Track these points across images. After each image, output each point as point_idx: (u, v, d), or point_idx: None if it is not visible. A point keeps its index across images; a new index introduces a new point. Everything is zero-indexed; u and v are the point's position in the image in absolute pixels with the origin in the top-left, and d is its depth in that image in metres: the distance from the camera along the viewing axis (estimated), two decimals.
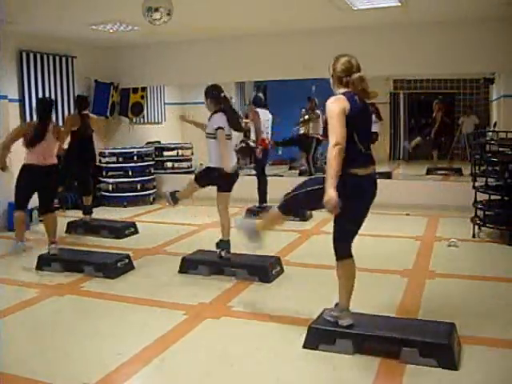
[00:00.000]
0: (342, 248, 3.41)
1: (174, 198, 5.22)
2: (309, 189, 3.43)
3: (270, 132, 7.82)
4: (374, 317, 3.59)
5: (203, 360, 3.40)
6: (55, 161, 5.62)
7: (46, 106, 5.70)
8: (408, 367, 3.16)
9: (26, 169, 5.57)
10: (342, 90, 3.22)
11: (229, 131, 4.97)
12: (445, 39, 7.63)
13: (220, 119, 4.91)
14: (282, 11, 6.98)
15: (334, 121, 3.05)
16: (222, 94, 5.04)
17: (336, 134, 3.02)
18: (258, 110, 7.77)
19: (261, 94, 8.23)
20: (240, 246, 5.17)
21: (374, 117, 11.29)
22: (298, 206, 3.78)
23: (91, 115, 7.15)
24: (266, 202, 7.72)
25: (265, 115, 7.72)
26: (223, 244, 5.12)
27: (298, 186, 3.55)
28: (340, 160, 3.01)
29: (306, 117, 10.29)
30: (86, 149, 6.87)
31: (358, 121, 3.14)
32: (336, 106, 3.09)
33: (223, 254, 5.11)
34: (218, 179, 4.93)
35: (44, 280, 5.09)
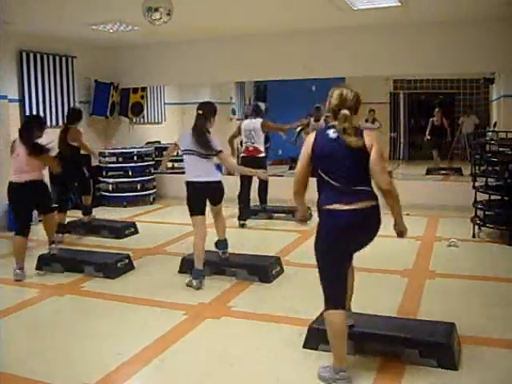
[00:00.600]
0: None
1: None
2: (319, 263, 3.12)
3: (257, 141, 7.29)
4: (374, 317, 3.59)
5: (203, 360, 3.40)
6: (33, 177, 5.15)
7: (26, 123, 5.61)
8: (408, 367, 3.16)
9: (8, 187, 5.24)
10: (332, 123, 3.10)
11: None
12: (445, 39, 7.62)
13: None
14: (282, 11, 6.98)
15: (300, 157, 3.12)
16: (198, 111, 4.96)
17: (295, 172, 3.14)
18: (244, 121, 7.60)
19: (258, 103, 7.96)
20: (239, 245, 5.19)
21: (369, 124, 11.34)
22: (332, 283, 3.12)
23: (72, 127, 6.75)
24: (265, 202, 7.69)
25: (248, 125, 7.35)
26: (222, 244, 5.13)
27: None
28: (297, 190, 3.15)
29: (299, 129, 10.18)
30: (69, 158, 6.55)
31: (323, 156, 3.02)
32: (305, 143, 3.13)
33: (222, 254, 5.12)
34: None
35: (44, 280, 5.10)
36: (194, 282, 4.72)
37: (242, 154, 7.45)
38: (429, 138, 11.92)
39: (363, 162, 2.99)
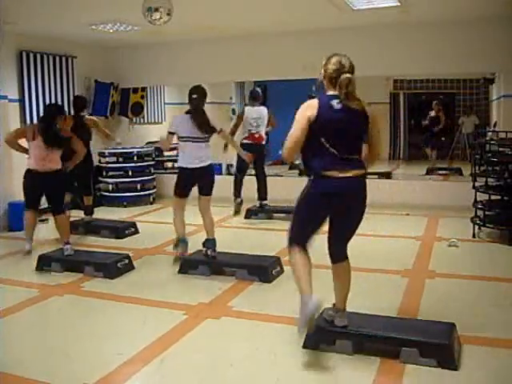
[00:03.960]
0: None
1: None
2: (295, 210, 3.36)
3: (261, 128, 7.49)
4: (374, 317, 3.59)
5: (203, 360, 3.39)
6: (58, 166, 5.60)
7: (49, 111, 5.74)
8: (408, 367, 3.16)
9: (27, 174, 5.61)
10: (330, 92, 3.17)
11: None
12: (445, 39, 7.62)
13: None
14: (282, 11, 6.98)
15: (294, 125, 3.16)
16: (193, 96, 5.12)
17: (290, 137, 3.17)
18: (247, 108, 7.62)
19: (257, 89, 7.97)
20: (239, 245, 5.18)
21: None
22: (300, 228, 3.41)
23: (88, 116, 7.06)
24: (265, 199, 7.69)
25: (253, 113, 7.46)
26: (210, 242, 5.17)
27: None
28: (289, 157, 3.24)
29: None
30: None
31: (329, 127, 3.09)
32: (300, 112, 3.16)
33: (209, 252, 5.14)
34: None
35: (44, 280, 5.10)
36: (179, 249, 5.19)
37: (244, 141, 7.41)
38: (426, 123, 11.91)
39: (363, 131, 3.15)
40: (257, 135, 7.36)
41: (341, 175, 3.09)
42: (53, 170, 5.52)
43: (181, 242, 5.34)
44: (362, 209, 3.27)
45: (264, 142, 7.53)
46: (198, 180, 5.07)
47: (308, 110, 3.12)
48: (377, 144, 3.27)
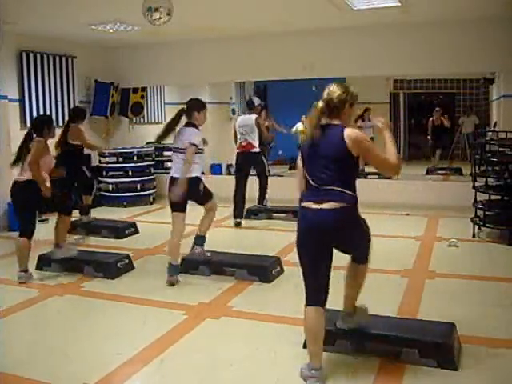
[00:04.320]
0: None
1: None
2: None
3: (249, 136, 7.30)
4: (374, 317, 3.58)
5: (203, 360, 3.40)
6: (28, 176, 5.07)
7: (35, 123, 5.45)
8: (408, 367, 3.16)
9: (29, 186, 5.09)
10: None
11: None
12: (445, 39, 7.62)
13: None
14: (282, 11, 6.98)
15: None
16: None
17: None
18: (238, 117, 7.66)
19: (253, 98, 8.01)
20: (239, 245, 5.18)
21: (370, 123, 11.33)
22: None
23: (74, 126, 6.76)
24: (263, 200, 7.68)
25: (241, 121, 7.43)
26: (199, 239, 5.15)
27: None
28: (299, 190, 3.15)
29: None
30: (68, 158, 6.62)
31: (305, 154, 3.07)
32: None
33: (198, 250, 5.14)
34: None
35: (44, 280, 5.10)
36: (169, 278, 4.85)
37: (236, 151, 7.43)
38: (431, 139, 11.90)
39: (340, 161, 2.94)
40: (244, 143, 7.28)
41: (314, 206, 2.96)
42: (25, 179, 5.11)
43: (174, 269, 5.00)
44: (347, 237, 3.07)
45: (255, 150, 7.28)
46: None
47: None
48: (382, 167, 3.10)
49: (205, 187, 4.96)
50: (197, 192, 4.87)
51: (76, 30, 7.76)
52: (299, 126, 11.41)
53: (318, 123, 2.99)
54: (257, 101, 7.73)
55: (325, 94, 3.03)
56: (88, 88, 9.36)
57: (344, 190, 2.94)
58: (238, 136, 7.34)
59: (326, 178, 2.96)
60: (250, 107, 7.64)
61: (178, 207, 4.88)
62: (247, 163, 7.39)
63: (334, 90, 3.01)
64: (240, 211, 7.33)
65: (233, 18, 7.39)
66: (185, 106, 5.04)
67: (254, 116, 7.41)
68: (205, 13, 6.93)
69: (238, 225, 7.26)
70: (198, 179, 4.86)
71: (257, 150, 7.34)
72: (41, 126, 5.23)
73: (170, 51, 9.33)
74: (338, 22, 7.55)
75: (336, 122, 3.00)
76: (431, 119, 11.88)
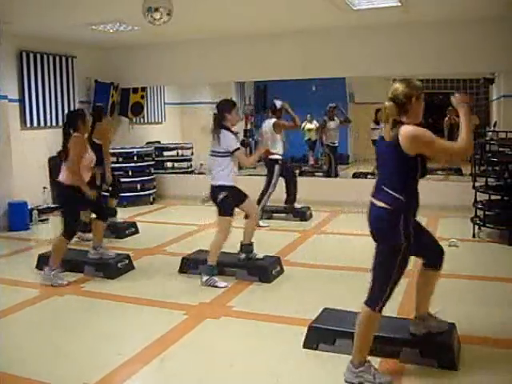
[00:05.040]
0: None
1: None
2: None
3: (268, 141, 7.16)
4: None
5: (203, 360, 3.39)
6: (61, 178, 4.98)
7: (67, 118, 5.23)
8: (408, 367, 3.16)
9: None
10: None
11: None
12: (445, 39, 7.63)
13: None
14: (282, 11, 6.98)
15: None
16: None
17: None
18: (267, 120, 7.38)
19: (275, 101, 7.46)
20: (239, 245, 5.18)
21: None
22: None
23: (99, 124, 6.64)
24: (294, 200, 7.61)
25: (263, 126, 7.35)
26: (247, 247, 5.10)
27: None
28: None
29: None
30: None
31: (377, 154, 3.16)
32: None
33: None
34: None
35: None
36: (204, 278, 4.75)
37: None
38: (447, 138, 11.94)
39: (392, 160, 2.91)
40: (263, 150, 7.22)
41: (369, 199, 3.02)
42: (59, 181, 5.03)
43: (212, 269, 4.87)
44: (374, 235, 3.05)
45: (272, 157, 7.01)
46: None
47: None
48: (445, 158, 3.16)
49: (223, 199, 4.77)
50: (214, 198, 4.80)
51: (76, 30, 7.76)
52: (306, 125, 11.50)
53: (390, 123, 2.94)
54: (279, 104, 7.30)
55: (389, 93, 2.99)
56: (88, 88, 9.37)
57: (388, 190, 2.93)
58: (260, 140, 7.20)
59: (380, 176, 3.02)
60: (272, 110, 7.34)
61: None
62: (268, 168, 7.25)
63: (397, 87, 2.96)
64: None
65: (233, 18, 7.39)
66: (215, 111, 4.85)
67: (272, 120, 7.17)
68: (205, 13, 6.93)
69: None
70: (220, 188, 4.77)
71: (274, 156, 7.04)
72: (75, 120, 5.00)
73: (170, 51, 9.33)
74: (338, 21, 7.55)
75: (404, 119, 2.92)
76: (446, 118, 11.88)
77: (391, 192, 2.90)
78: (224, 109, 4.82)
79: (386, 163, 2.98)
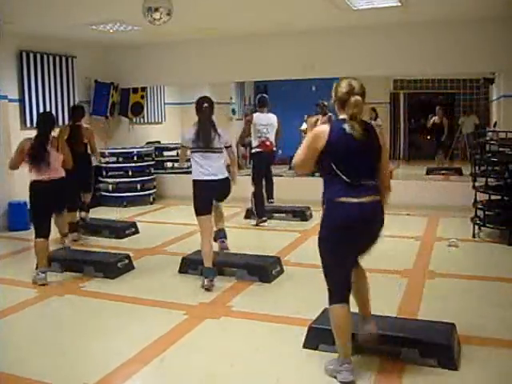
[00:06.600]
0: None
1: None
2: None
3: (271, 135, 7.28)
4: (374, 317, 3.58)
5: (203, 360, 3.39)
6: (61, 174, 5.15)
7: (45, 120, 5.33)
8: (408, 367, 3.16)
9: (34, 187, 5.04)
10: (342, 116, 3.05)
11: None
12: (445, 39, 7.62)
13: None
14: (282, 11, 6.98)
15: (303, 147, 3.06)
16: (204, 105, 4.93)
17: (298, 156, 3.08)
18: (256, 115, 7.42)
19: (264, 95, 7.72)
20: (239, 245, 5.18)
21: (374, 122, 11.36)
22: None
23: (85, 126, 6.85)
24: (272, 198, 7.63)
25: (263, 119, 7.30)
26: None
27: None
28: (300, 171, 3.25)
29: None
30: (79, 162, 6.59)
31: (340, 153, 2.98)
32: (314, 136, 3.02)
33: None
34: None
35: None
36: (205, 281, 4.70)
37: (256, 149, 7.25)
38: (429, 126, 12.06)
39: (374, 156, 3.06)
40: (267, 142, 7.21)
41: (354, 200, 2.95)
42: (58, 177, 5.15)
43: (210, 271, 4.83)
44: (379, 230, 3.21)
45: (275, 149, 7.40)
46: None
47: (319, 135, 2.99)
48: (387, 170, 3.20)
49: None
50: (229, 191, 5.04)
51: (76, 30, 7.76)
52: (303, 126, 11.45)
53: (363, 121, 3.03)
54: (267, 97, 7.65)
55: (357, 89, 2.99)
56: (88, 88, 9.36)
57: (375, 184, 3.07)
58: (259, 134, 7.19)
59: (362, 172, 3.01)
60: (263, 104, 7.47)
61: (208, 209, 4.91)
62: (268, 162, 7.38)
63: (356, 83, 3.01)
64: (264, 210, 7.29)
65: (233, 18, 7.39)
66: (206, 104, 4.92)
67: (274, 116, 7.44)
68: (205, 13, 6.93)
69: (263, 222, 7.23)
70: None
71: (275, 149, 7.44)
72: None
73: (170, 51, 9.33)
74: (338, 21, 7.55)
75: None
76: (433, 118, 11.93)
77: (375, 183, 3.07)
78: (213, 105, 5.01)
79: (367, 157, 3.09)
